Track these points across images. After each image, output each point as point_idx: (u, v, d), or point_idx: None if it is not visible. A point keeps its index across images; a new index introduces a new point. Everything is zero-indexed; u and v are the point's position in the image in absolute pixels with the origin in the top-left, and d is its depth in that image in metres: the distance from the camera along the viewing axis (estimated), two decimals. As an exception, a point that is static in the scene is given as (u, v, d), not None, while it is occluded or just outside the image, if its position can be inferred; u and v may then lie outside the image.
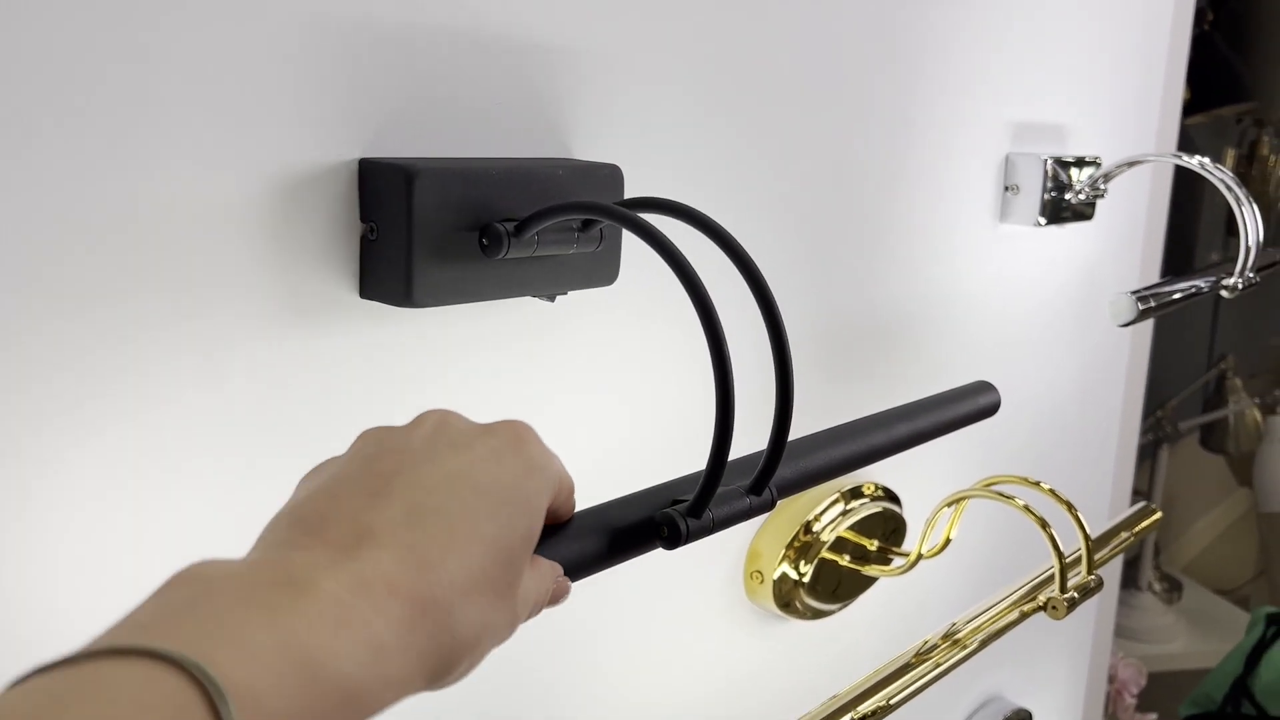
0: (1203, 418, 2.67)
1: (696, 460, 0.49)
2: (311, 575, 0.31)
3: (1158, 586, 2.61)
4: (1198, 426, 2.69)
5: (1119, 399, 1.34)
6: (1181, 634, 2.55)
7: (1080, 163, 1.02)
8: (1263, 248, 0.99)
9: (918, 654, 0.74)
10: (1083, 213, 1.04)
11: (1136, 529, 0.95)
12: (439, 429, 0.39)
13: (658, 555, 0.53)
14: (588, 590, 0.50)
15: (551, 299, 0.60)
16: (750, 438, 0.54)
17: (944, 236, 0.94)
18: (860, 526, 0.89)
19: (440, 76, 0.55)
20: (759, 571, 0.84)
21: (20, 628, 0.46)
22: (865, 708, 0.69)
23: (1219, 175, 0.98)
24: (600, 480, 0.53)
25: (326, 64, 0.50)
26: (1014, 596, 0.79)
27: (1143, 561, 2.57)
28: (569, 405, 0.66)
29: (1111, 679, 1.96)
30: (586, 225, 0.56)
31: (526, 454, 0.39)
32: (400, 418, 0.57)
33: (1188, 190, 2.02)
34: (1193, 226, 2.60)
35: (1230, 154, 2.59)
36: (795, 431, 0.52)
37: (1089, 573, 0.79)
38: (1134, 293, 0.95)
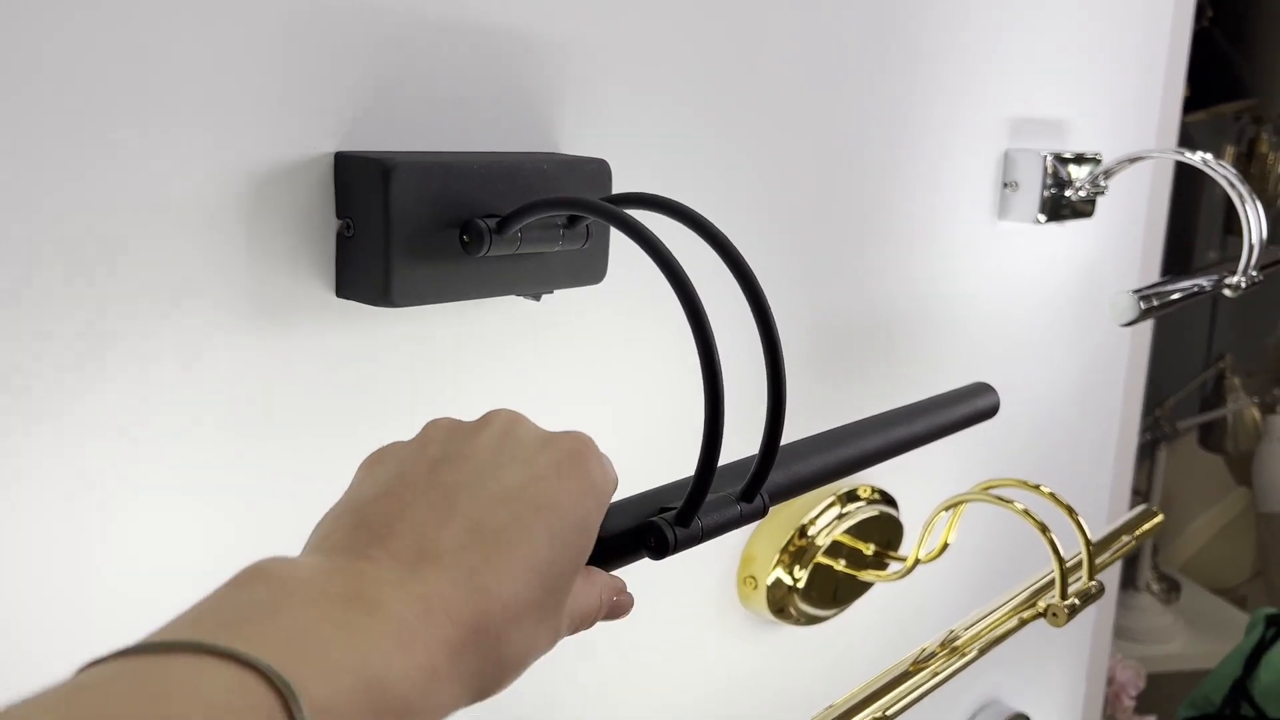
0: (1201, 417, 2.66)
1: (687, 465, 0.47)
2: (380, 593, 0.31)
3: (1156, 587, 2.60)
4: (1196, 426, 2.68)
5: (1119, 399, 1.33)
6: (1180, 634, 2.54)
7: (1080, 159, 1.00)
8: (1265, 245, 0.98)
9: (915, 662, 0.73)
10: (1083, 210, 1.02)
11: (1137, 532, 0.94)
12: (504, 436, 0.40)
13: (646, 562, 0.51)
14: (572, 601, 0.48)
15: (537, 298, 0.58)
16: (743, 441, 0.52)
17: (941, 234, 0.92)
18: (856, 530, 0.87)
19: (420, 67, 0.53)
20: (752, 577, 0.82)
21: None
22: (862, 718, 0.67)
23: (1221, 171, 0.96)
24: (586, 486, 0.51)
25: (301, 53, 0.48)
26: (1013, 603, 0.78)
27: (1141, 562, 2.56)
28: (554, 408, 0.64)
29: (1110, 681, 1.94)
30: (572, 222, 0.54)
31: (586, 471, 0.40)
32: (378, 422, 0.55)
33: (1186, 188, 2.01)
34: (1191, 225, 2.58)
35: (1229, 151, 2.58)
36: (789, 434, 0.50)
37: (1090, 578, 0.77)
38: (1135, 292, 0.93)
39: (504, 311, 0.60)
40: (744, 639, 0.84)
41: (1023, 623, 0.77)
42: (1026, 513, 0.76)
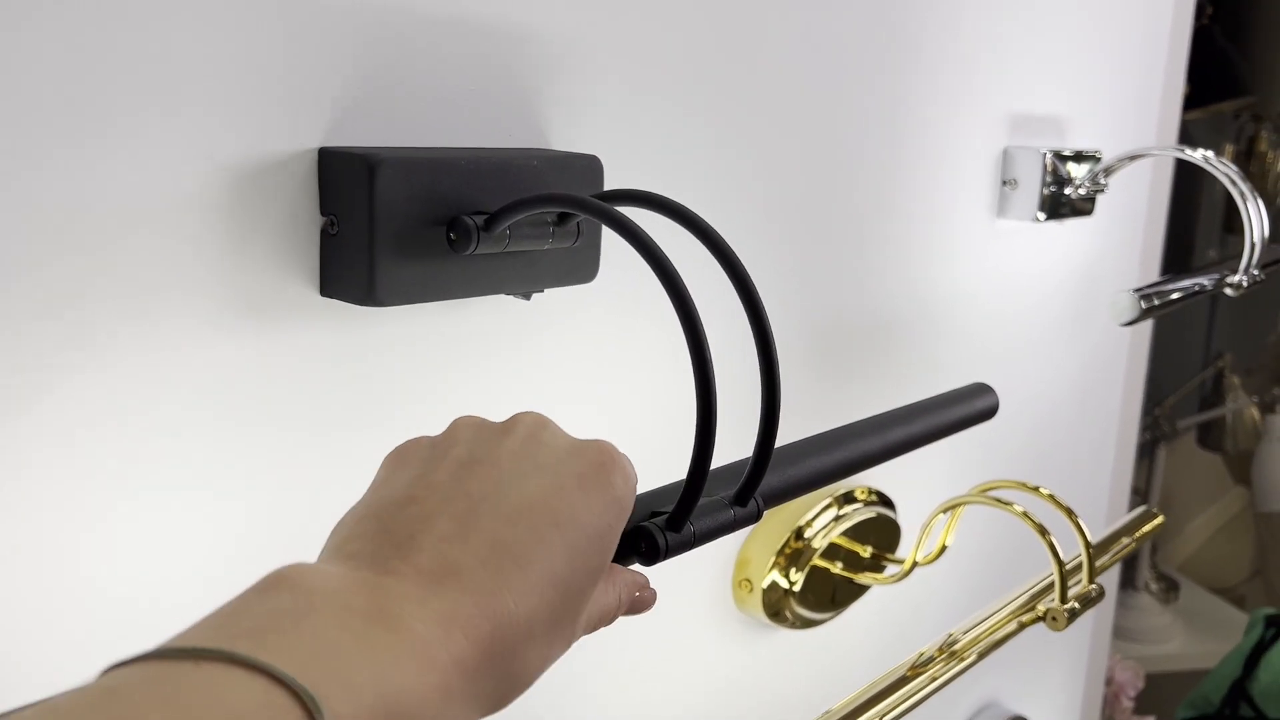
0: (1200, 416, 2.65)
1: (681, 468, 0.46)
2: (402, 610, 0.32)
3: (1154, 586, 2.59)
4: (1195, 425, 2.67)
5: (1118, 398, 1.32)
6: (1178, 634, 2.53)
7: (1080, 157, 0.99)
8: (1267, 243, 0.97)
9: (913, 667, 0.71)
10: (1082, 208, 1.01)
11: (1138, 534, 0.93)
12: (530, 441, 0.40)
13: (637, 566, 0.50)
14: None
15: (527, 297, 0.57)
16: (737, 443, 0.51)
17: (939, 232, 0.91)
18: (853, 533, 0.86)
19: (408, 60, 0.52)
20: (748, 579, 0.81)
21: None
22: (859, 724, 0.66)
23: (1223, 169, 0.95)
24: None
25: (285, 46, 0.47)
26: (1012, 606, 0.77)
27: (1139, 561, 2.55)
28: (546, 410, 0.63)
29: (1109, 682, 1.94)
30: (562, 219, 0.53)
31: (609, 484, 0.39)
32: (365, 424, 0.54)
33: (1186, 186, 2.00)
34: (1191, 223, 2.57)
35: (1228, 149, 2.57)
36: (784, 435, 0.49)
37: (1090, 581, 0.76)
38: (1135, 291, 0.92)
39: (494, 311, 0.58)
40: (739, 643, 0.83)
41: (1022, 626, 0.75)
42: (1025, 515, 0.75)
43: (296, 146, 0.48)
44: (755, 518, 0.49)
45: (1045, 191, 0.96)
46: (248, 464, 0.50)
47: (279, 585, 0.31)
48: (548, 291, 0.58)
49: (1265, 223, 0.95)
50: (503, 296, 0.57)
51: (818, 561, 0.84)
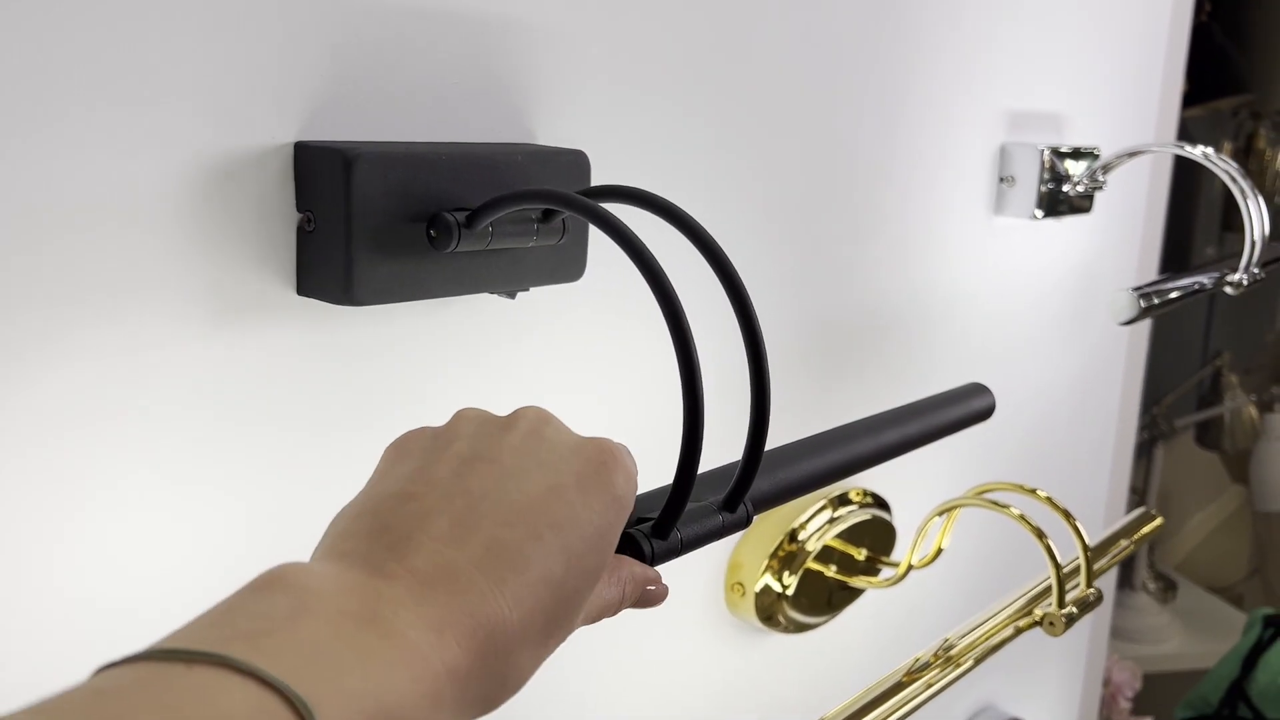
0: (1198, 415, 2.64)
1: (672, 470, 0.45)
2: (396, 615, 0.31)
3: (1152, 586, 2.57)
4: (1193, 424, 2.66)
5: (1116, 398, 1.31)
6: (1176, 634, 2.52)
7: (1078, 154, 0.98)
8: (1267, 241, 0.95)
9: (909, 672, 0.70)
10: (1080, 206, 1.00)
11: (1136, 536, 0.92)
12: (531, 437, 0.39)
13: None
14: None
15: (511, 296, 0.55)
16: (730, 444, 0.49)
17: (936, 229, 0.90)
18: (848, 535, 0.85)
19: (387, 52, 0.50)
20: (740, 583, 0.80)
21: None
22: (853, 731, 0.65)
23: (1223, 166, 0.94)
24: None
25: (260, 37, 0.46)
26: (1009, 611, 0.75)
27: (1137, 561, 2.54)
28: (533, 410, 0.61)
29: (1106, 682, 1.92)
30: (547, 216, 0.52)
31: (610, 484, 0.39)
32: (344, 425, 0.52)
33: (1184, 183, 1.99)
34: (1190, 221, 2.56)
35: (1227, 147, 2.55)
36: (779, 435, 0.48)
37: (1088, 585, 0.75)
38: (1134, 290, 0.91)
39: (477, 310, 0.57)
40: (731, 647, 0.81)
41: (1019, 631, 0.74)
42: (1022, 518, 0.74)
43: (272, 141, 0.47)
44: (745, 523, 0.47)
45: (1043, 189, 0.95)
46: (223, 464, 0.49)
47: (273, 585, 0.30)
48: (533, 290, 0.56)
49: (1265, 220, 0.93)
50: (486, 295, 0.56)
51: (812, 565, 0.83)
